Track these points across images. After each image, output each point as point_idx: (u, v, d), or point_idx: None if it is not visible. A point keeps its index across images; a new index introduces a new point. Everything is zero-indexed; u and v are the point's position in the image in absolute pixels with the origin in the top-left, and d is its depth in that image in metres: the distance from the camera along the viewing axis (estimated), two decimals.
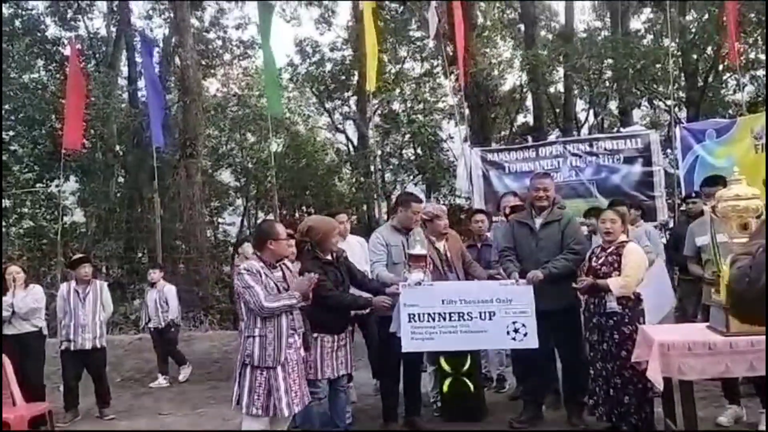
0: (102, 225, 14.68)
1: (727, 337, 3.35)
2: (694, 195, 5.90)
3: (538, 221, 4.63)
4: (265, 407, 3.65)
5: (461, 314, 4.32)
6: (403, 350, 4.33)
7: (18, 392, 4.55)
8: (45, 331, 5.68)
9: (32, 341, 5.38)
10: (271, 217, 14.01)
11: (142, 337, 9.17)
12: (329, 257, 4.22)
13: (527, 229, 4.65)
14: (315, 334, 4.04)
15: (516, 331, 4.31)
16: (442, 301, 4.34)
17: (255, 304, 3.65)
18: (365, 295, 4.33)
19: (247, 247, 6.24)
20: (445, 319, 4.32)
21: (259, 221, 15.36)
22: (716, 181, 4.69)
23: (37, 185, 15.17)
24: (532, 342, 4.31)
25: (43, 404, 4.77)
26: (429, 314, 4.30)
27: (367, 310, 4.68)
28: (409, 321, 4.29)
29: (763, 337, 3.26)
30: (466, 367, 4.74)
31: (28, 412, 4.46)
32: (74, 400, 5.64)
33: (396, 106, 16.67)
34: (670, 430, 3.93)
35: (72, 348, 5.61)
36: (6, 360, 4.66)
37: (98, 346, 5.71)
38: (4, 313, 5.24)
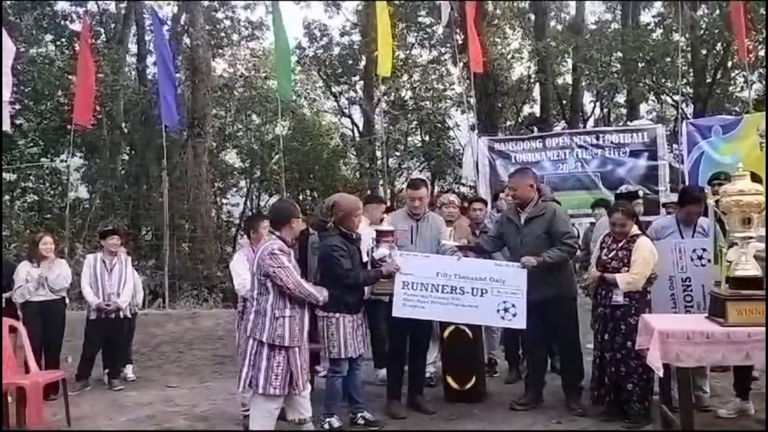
0: (107, 201, 14.76)
1: (725, 327, 3.45)
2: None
3: (523, 216, 4.63)
4: (283, 386, 3.68)
5: (454, 288, 4.42)
6: (394, 314, 4.42)
7: (33, 359, 4.66)
8: (67, 300, 5.85)
9: (56, 309, 5.54)
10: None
11: (148, 312, 9.32)
12: (353, 236, 4.31)
13: (513, 225, 4.68)
14: (337, 315, 4.13)
15: (506, 310, 4.40)
16: (437, 273, 4.43)
17: (294, 284, 3.68)
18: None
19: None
20: (437, 290, 4.42)
21: (273, 202, 15.24)
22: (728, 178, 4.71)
23: (42, 160, 15.24)
24: (521, 323, 4.40)
25: (57, 372, 4.88)
26: (422, 284, 4.41)
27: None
28: (403, 288, 4.40)
29: (760, 329, 3.37)
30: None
31: (44, 378, 4.58)
32: (89, 370, 5.78)
33: (403, 92, 16.67)
34: (666, 417, 4.04)
35: (102, 317, 5.75)
36: (21, 327, 4.76)
37: (122, 316, 5.87)
38: (33, 284, 5.36)
